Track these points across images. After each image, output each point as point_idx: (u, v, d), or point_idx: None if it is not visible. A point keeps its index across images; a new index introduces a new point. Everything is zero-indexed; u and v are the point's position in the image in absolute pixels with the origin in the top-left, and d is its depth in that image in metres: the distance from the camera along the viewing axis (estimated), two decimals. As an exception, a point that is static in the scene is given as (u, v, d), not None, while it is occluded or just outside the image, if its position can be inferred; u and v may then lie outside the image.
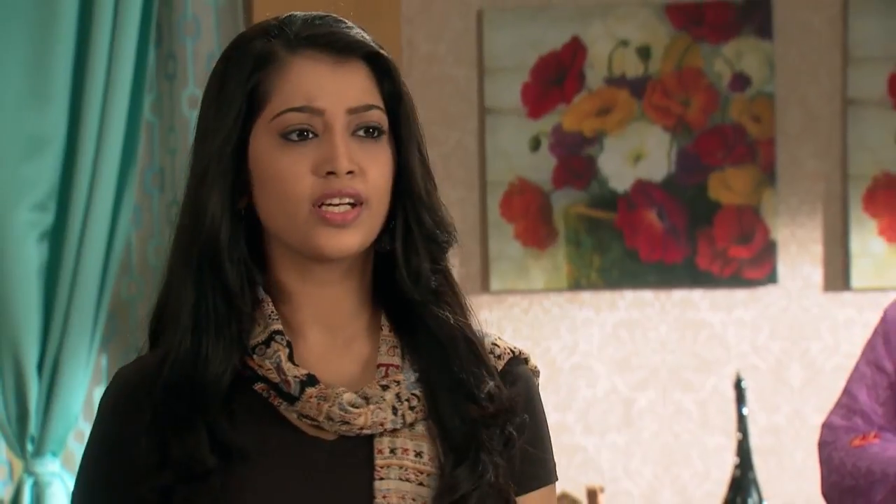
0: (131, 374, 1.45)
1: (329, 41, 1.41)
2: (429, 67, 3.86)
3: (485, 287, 3.81)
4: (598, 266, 3.79)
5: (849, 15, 3.75)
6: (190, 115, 3.66)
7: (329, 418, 1.39)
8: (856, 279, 3.75)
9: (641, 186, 3.78)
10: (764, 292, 3.74)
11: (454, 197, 3.83)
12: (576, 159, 3.80)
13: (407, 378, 1.42)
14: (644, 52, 3.80)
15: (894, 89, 3.74)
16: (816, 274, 3.77)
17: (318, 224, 1.38)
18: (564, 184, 3.80)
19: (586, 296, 3.76)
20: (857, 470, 2.22)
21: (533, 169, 3.80)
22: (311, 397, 1.39)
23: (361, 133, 1.41)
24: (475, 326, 1.46)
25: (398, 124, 1.43)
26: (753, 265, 3.75)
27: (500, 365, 1.45)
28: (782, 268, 3.75)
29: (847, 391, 2.32)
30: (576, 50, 3.80)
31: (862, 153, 3.76)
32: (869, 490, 2.21)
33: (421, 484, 1.40)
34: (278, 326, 1.41)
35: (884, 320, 2.35)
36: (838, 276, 3.76)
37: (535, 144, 3.81)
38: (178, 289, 1.41)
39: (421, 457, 1.40)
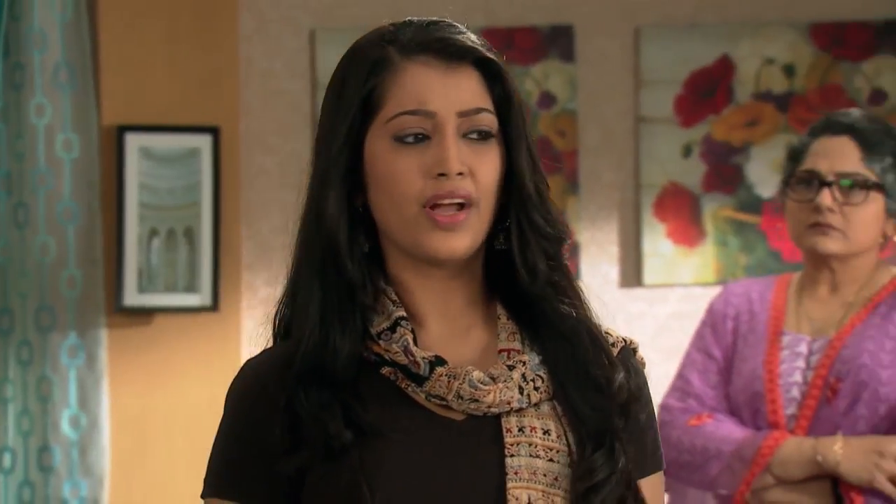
0: (260, 364, 1.39)
1: (441, 47, 1.36)
2: (265, 82, 3.80)
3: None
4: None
5: (640, 43, 3.82)
6: (37, 122, 3.56)
7: (458, 396, 1.33)
8: (647, 276, 3.82)
9: (460, 193, 3.77)
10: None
11: (290, 200, 3.75)
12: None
13: (531, 360, 1.36)
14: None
15: (679, 109, 3.82)
16: (613, 272, 3.82)
17: (428, 227, 1.34)
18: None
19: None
20: (694, 447, 2.23)
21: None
22: (441, 376, 1.33)
23: (472, 136, 1.35)
24: (593, 318, 1.41)
25: (508, 127, 1.37)
26: (559, 264, 3.78)
27: (615, 353, 1.41)
28: (584, 266, 3.79)
29: (681, 376, 2.34)
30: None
31: (652, 165, 3.83)
32: (705, 465, 2.22)
33: (551, 460, 1.34)
34: (402, 313, 1.36)
35: (710, 312, 2.38)
36: (632, 273, 3.82)
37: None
38: (305, 285, 1.36)
39: (549, 434, 1.35)
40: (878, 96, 3.83)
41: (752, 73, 3.83)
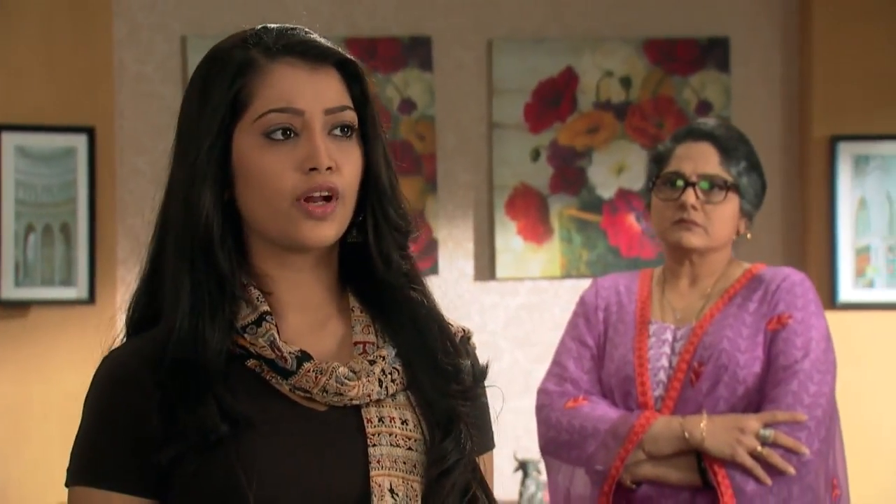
0: (126, 355, 1.32)
1: (305, 49, 1.33)
2: (138, 85, 3.69)
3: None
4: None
5: (493, 54, 3.80)
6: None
7: (324, 390, 1.30)
8: (500, 270, 3.81)
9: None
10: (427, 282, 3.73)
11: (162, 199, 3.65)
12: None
13: (389, 353, 1.34)
14: (327, 78, 3.73)
15: (528, 116, 3.82)
16: (469, 266, 3.81)
17: (301, 217, 1.30)
18: (260, 189, 3.69)
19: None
20: (572, 427, 2.23)
21: (233, 175, 3.66)
22: (308, 371, 1.30)
23: (337, 132, 1.33)
24: (439, 308, 1.39)
25: (365, 124, 1.35)
26: (418, 259, 3.73)
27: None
28: (442, 261, 3.77)
29: (557, 362, 2.34)
30: (269, 74, 3.69)
31: (504, 168, 3.82)
32: (582, 443, 2.23)
33: (410, 449, 1.33)
34: (266, 308, 1.32)
35: (582, 304, 2.38)
36: (486, 268, 3.82)
37: (235, 154, 3.68)
38: (174, 277, 1.31)
39: (406, 424, 1.34)
40: (704, 107, 3.89)
41: (593, 84, 3.86)
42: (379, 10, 3.79)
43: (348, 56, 1.35)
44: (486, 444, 1.40)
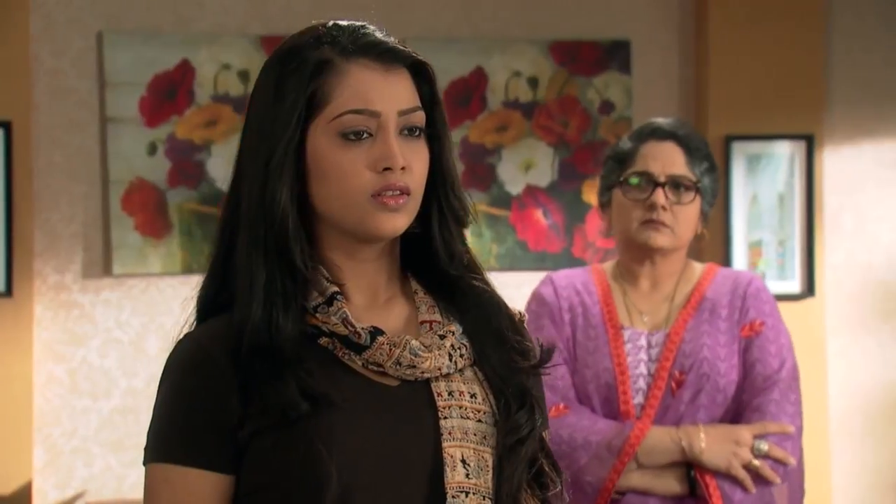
0: (203, 338, 1.32)
1: (381, 51, 1.33)
2: (53, 80, 3.56)
3: (107, 271, 3.55)
4: (207, 252, 3.60)
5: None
6: None
7: (397, 363, 1.30)
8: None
9: (243, 187, 3.63)
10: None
11: (79, 192, 3.55)
12: (188, 163, 3.60)
13: (457, 329, 1.34)
14: (244, 76, 3.66)
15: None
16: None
17: (376, 210, 1.31)
18: (178, 183, 3.59)
19: (197, 278, 3.56)
20: (560, 437, 2.12)
21: (150, 170, 3.57)
22: (382, 344, 1.30)
23: (407, 132, 1.33)
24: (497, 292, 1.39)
25: (434, 124, 1.35)
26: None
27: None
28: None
29: None
30: (185, 71, 3.60)
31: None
32: (572, 454, 2.12)
33: (479, 421, 1.33)
34: (336, 288, 1.32)
35: (543, 302, 2.24)
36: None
37: (152, 149, 3.58)
38: (248, 268, 1.30)
39: (475, 398, 1.33)
40: (607, 107, 3.89)
41: (502, 83, 3.83)
42: (293, 9, 3.72)
43: (420, 58, 1.35)
44: (545, 423, 1.40)
